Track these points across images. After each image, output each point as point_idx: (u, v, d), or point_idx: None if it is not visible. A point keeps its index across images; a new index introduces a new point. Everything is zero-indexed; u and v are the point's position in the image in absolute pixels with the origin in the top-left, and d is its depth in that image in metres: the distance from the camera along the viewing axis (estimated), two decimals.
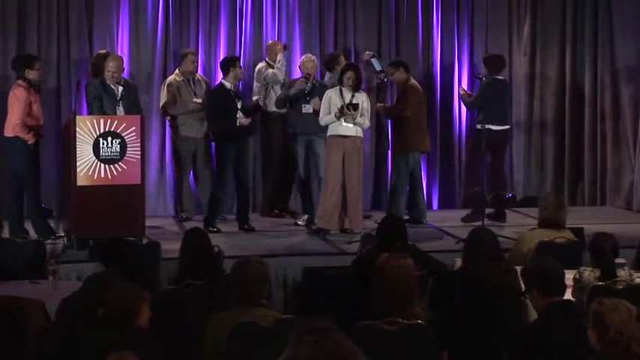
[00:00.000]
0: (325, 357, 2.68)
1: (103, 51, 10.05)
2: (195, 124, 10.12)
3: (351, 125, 9.20)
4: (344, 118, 9.16)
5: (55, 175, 10.17)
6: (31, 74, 8.84)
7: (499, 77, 10.15)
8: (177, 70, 10.34)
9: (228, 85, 9.63)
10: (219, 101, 9.65)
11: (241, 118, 9.56)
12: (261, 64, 10.57)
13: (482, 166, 9.91)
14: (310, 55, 10.27)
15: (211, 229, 9.22)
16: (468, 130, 11.46)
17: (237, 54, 10.96)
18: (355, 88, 9.26)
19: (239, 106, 9.59)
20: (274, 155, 10.56)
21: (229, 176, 9.66)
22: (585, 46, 11.52)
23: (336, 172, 9.25)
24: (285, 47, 10.49)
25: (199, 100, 10.09)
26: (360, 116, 9.19)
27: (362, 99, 9.25)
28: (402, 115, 9.70)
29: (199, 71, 10.62)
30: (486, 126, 9.78)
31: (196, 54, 10.51)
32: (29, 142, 8.75)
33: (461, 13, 11.55)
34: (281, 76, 10.33)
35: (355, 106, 9.12)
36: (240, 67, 9.81)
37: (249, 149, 10.09)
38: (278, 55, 10.38)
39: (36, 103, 8.86)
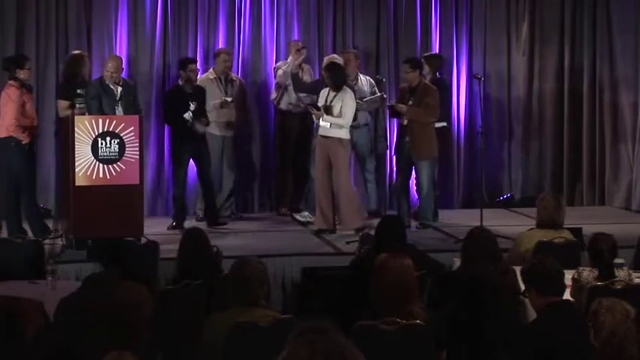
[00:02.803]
0: (323, 357, 2.68)
1: (77, 51, 9.90)
2: (221, 123, 10.17)
3: (328, 125, 9.22)
4: (316, 118, 9.33)
5: (53, 175, 10.16)
6: (22, 74, 8.84)
7: (439, 76, 10.44)
8: (211, 69, 10.39)
9: (184, 86, 9.75)
10: (170, 102, 9.83)
11: (197, 124, 9.61)
12: (280, 63, 10.63)
13: None
14: (334, 56, 10.38)
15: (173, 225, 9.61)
16: (466, 130, 11.47)
17: (236, 53, 10.98)
18: (335, 88, 9.26)
19: (192, 107, 9.63)
20: (288, 154, 10.60)
21: (183, 176, 9.80)
22: (584, 46, 11.53)
23: (320, 173, 9.34)
24: (299, 50, 10.44)
25: (229, 99, 10.13)
26: (337, 117, 9.18)
27: (342, 98, 9.21)
28: (432, 120, 9.67)
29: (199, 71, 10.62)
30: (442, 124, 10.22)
31: (230, 53, 10.50)
32: (24, 142, 8.74)
33: (459, 12, 11.56)
34: (286, 77, 10.38)
35: (318, 107, 9.20)
36: (192, 69, 9.79)
37: (208, 149, 9.98)
38: (290, 57, 10.43)
39: (29, 103, 8.84)
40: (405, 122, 9.64)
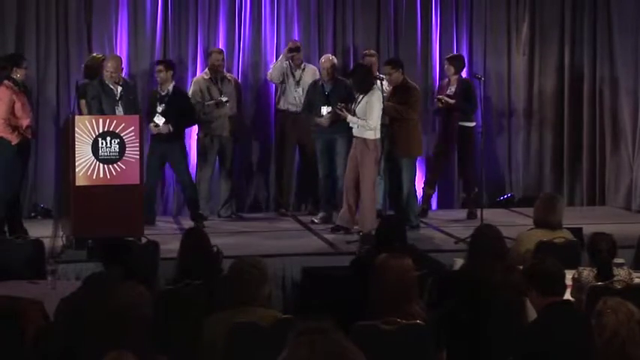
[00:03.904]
0: (323, 357, 2.68)
1: (100, 55, 10.00)
2: (218, 122, 10.17)
3: (355, 126, 9.22)
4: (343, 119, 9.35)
5: (54, 175, 10.16)
6: (19, 73, 8.82)
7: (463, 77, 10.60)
8: (206, 69, 10.41)
9: (157, 88, 9.91)
10: (147, 103, 10.03)
11: (159, 125, 9.68)
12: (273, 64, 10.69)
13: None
14: (329, 55, 10.37)
15: None
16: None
17: (236, 53, 10.99)
18: (359, 90, 9.27)
19: (159, 110, 9.71)
20: (287, 154, 10.61)
21: (151, 173, 9.79)
22: (584, 46, 11.53)
23: (348, 171, 9.35)
24: (291, 49, 10.45)
25: (225, 99, 10.12)
26: (359, 118, 9.18)
27: (367, 99, 9.20)
28: (408, 117, 9.62)
29: (198, 71, 10.62)
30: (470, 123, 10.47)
31: (221, 52, 10.49)
32: (13, 143, 8.71)
33: (459, 13, 11.56)
34: (276, 76, 10.36)
35: (342, 108, 9.29)
36: (157, 69, 9.89)
37: (179, 149, 10.00)
38: (281, 55, 10.47)
39: (19, 103, 8.78)
40: (387, 121, 9.60)
